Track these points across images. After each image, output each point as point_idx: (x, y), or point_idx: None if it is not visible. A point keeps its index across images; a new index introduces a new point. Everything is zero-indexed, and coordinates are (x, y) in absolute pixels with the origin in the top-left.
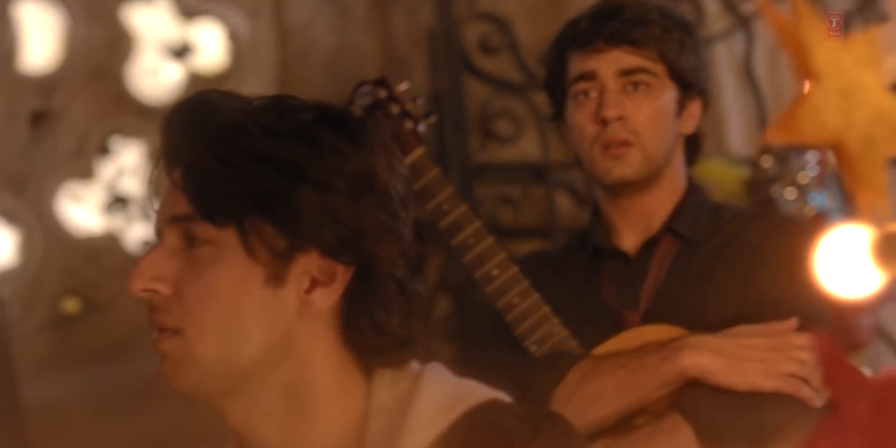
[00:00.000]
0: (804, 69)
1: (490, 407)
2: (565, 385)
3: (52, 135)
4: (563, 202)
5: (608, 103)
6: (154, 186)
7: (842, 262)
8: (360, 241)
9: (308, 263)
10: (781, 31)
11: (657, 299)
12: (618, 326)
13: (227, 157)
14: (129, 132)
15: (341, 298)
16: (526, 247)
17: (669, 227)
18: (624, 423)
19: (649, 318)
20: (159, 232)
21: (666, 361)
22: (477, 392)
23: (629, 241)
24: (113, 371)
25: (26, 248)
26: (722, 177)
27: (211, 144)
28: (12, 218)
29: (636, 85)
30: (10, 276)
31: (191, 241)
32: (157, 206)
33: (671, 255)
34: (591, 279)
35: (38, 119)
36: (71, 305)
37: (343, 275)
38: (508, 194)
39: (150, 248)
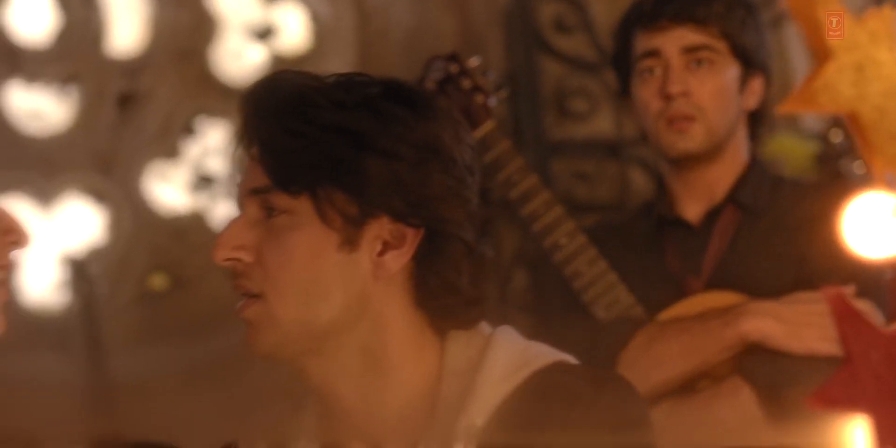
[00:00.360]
0: (819, 45)
1: (556, 368)
2: (631, 349)
3: (138, 116)
4: (637, 177)
5: (672, 80)
6: (238, 164)
7: (868, 226)
8: (427, 205)
9: (379, 228)
10: (797, 9)
11: (719, 267)
12: (681, 293)
13: (299, 129)
14: (213, 112)
15: (412, 260)
16: None
17: (732, 198)
18: (687, 386)
19: (712, 285)
20: (241, 205)
21: (727, 327)
22: (545, 354)
23: (693, 211)
24: (198, 346)
25: (114, 226)
26: (792, 151)
27: (283, 119)
28: (101, 197)
29: (699, 62)
30: (98, 254)
31: (269, 212)
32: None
33: (733, 224)
34: (656, 248)
35: (126, 101)
36: (158, 282)
37: (412, 237)
38: (583, 170)
39: (232, 219)
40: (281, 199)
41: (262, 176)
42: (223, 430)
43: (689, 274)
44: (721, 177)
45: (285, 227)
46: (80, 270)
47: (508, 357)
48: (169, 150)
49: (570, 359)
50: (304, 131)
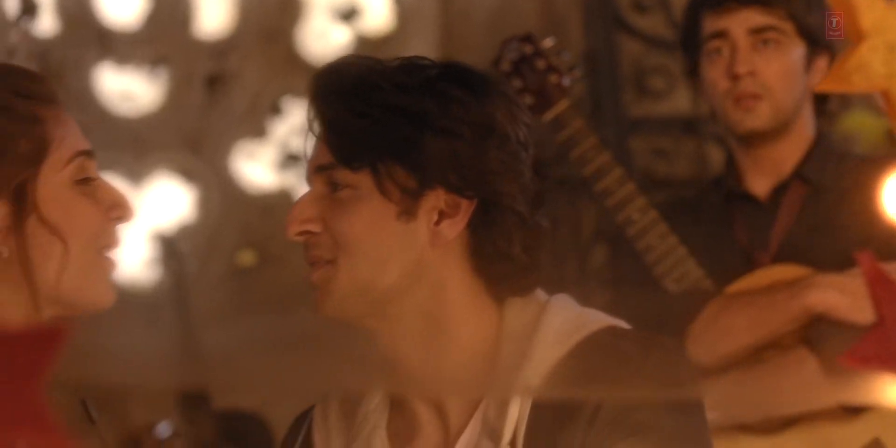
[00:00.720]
0: (852, 27)
1: (608, 332)
2: (700, 321)
3: (226, 96)
4: (714, 153)
5: (740, 60)
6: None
7: None
8: (482, 178)
9: (435, 199)
10: None
11: (786, 241)
12: (749, 267)
13: (362, 110)
14: (299, 92)
15: (467, 230)
16: None
17: (799, 174)
18: (754, 357)
19: (779, 259)
20: (308, 181)
21: (793, 299)
22: (597, 319)
23: (761, 186)
24: (285, 319)
25: (204, 204)
26: (866, 127)
27: (348, 100)
28: (190, 176)
29: (766, 42)
30: (189, 231)
31: (334, 187)
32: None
33: (800, 199)
34: (725, 222)
35: (214, 81)
36: (246, 258)
37: (467, 208)
38: (661, 147)
39: (301, 196)
40: (344, 175)
41: (327, 154)
42: (308, 399)
43: (757, 248)
44: (788, 153)
45: (348, 200)
46: (171, 247)
47: (563, 322)
48: (256, 129)
49: (623, 324)
50: (367, 112)
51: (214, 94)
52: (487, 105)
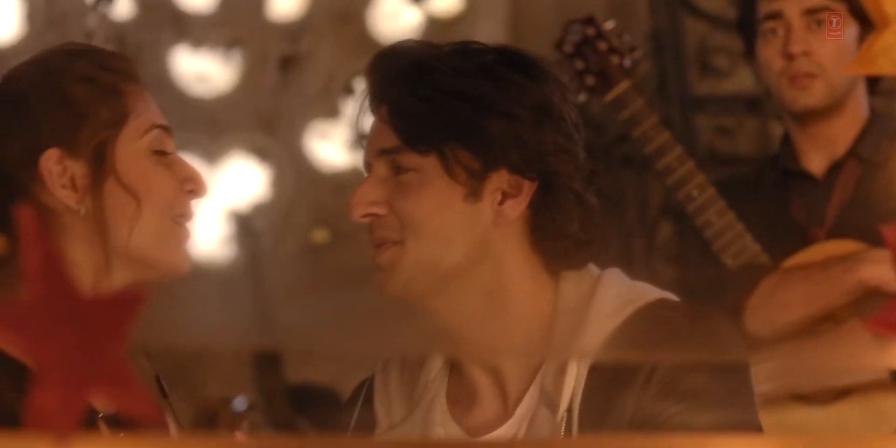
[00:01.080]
0: (879, 12)
1: (658, 304)
2: (757, 295)
3: (300, 77)
4: (777, 131)
5: (794, 40)
6: (359, 125)
7: None
8: (541, 159)
9: (499, 180)
10: None
11: (841, 217)
12: (805, 242)
13: (424, 94)
14: None
15: (528, 209)
16: None
17: (853, 151)
18: (809, 329)
19: (834, 235)
20: (368, 164)
21: (847, 273)
22: (648, 292)
23: (816, 163)
24: (358, 295)
25: (278, 183)
26: None
27: (409, 84)
28: (264, 155)
29: (819, 22)
30: (263, 209)
31: (397, 170)
32: (364, 143)
33: (855, 176)
34: (782, 199)
35: (287, 63)
36: (319, 236)
37: (528, 188)
38: (725, 124)
39: (363, 179)
40: (410, 158)
41: (392, 137)
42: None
43: (813, 224)
44: (842, 131)
45: (414, 183)
46: (246, 225)
47: (616, 295)
48: (329, 109)
49: (672, 297)
50: (429, 96)
51: (288, 75)
52: (543, 88)
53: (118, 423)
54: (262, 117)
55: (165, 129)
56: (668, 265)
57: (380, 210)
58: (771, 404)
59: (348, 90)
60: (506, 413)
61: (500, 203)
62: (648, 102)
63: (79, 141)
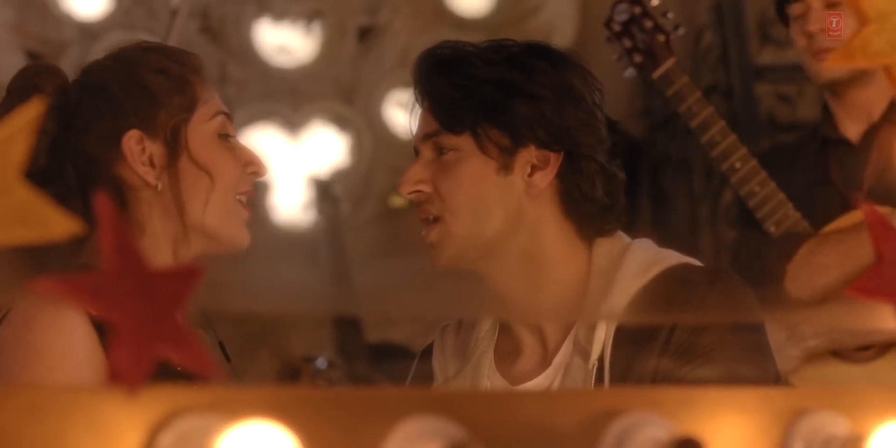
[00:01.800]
0: (859, 12)
1: (681, 268)
2: (796, 260)
3: (378, 48)
4: None
5: (812, 19)
6: (412, 120)
7: None
8: (564, 133)
9: (528, 154)
10: None
11: (878, 181)
12: (844, 208)
13: (458, 82)
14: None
15: (556, 179)
16: None
17: (887, 117)
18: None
19: (871, 198)
20: (416, 149)
21: None
22: (672, 257)
23: (853, 130)
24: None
25: (357, 150)
26: None
27: (445, 76)
28: (344, 124)
29: (834, 5)
30: (343, 175)
31: (440, 151)
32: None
33: (890, 140)
34: (822, 166)
35: (366, 33)
36: (397, 200)
37: (555, 160)
38: (785, 92)
39: (412, 162)
40: (448, 139)
41: (433, 123)
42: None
43: (851, 189)
44: (876, 98)
45: (454, 161)
46: (326, 191)
47: (643, 259)
48: (406, 79)
49: (695, 262)
50: (462, 84)
51: (366, 46)
52: (564, 73)
53: (188, 377)
54: (342, 87)
55: (228, 116)
56: (730, 229)
57: (424, 187)
58: (812, 362)
59: None
60: (544, 363)
61: (530, 175)
62: (711, 72)
63: (156, 124)
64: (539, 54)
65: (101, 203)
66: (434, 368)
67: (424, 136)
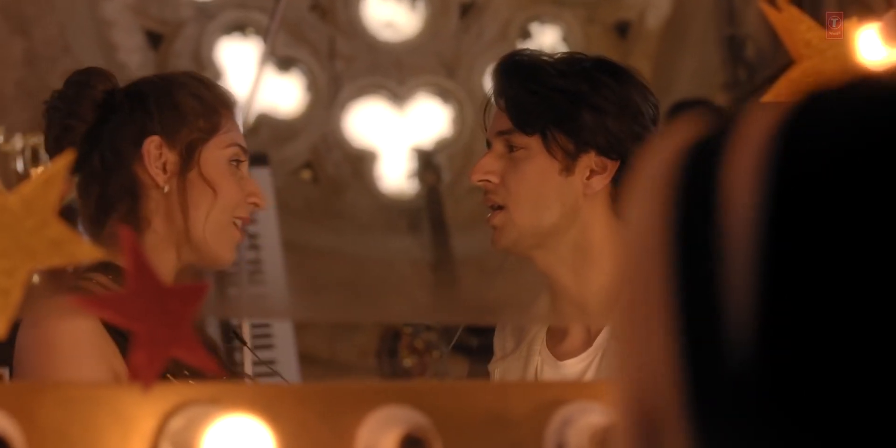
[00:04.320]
0: (793, 49)
1: None
2: None
3: (478, 23)
4: None
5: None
6: (487, 116)
7: None
8: (622, 143)
9: (588, 159)
10: (780, 24)
11: None
12: None
13: (533, 89)
14: (546, 19)
15: (611, 183)
16: None
17: None
18: None
19: None
20: (489, 142)
21: None
22: None
23: None
24: None
25: (458, 121)
26: None
27: (523, 81)
28: (446, 96)
29: None
30: (445, 145)
31: (510, 148)
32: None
33: None
34: None
35: (467, 9)
36: None
37: (611, 167)
38: None
39: (484, 154)
40: (519, 138)
41: (506, 122)
42: (533, 297)
43: None
44: None
45: (522, 159)
46: (429, 161)
47: None
48: (506, 52)
49: None
50: (537, 90)
51: (468, 20)
52: (627, 89)
53: (196, 374)
54: (444, 61)
55: (244, 150)
56: None
57: (493, 178)
58: None
59: (525, 34)
60: (587, 343)
61: (588, 178)
62: None
63: (177, 136)
64: (606, 70)
65: (125, 234)
66: (494, 344)
67: (498, 132)
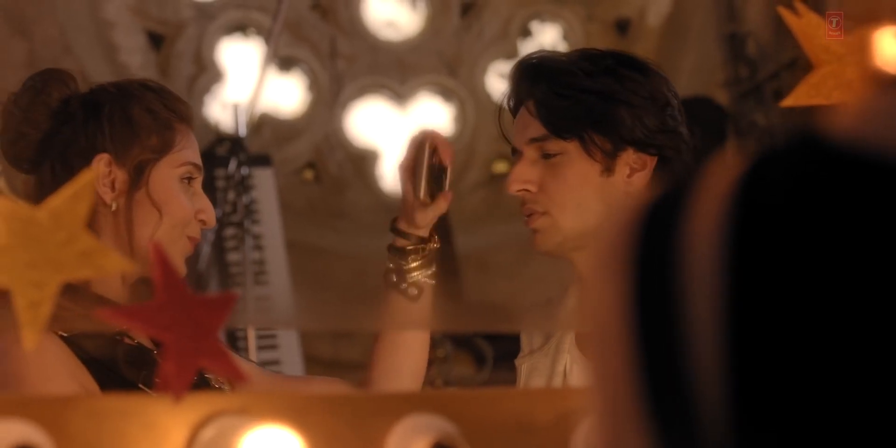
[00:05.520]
0: (812, 54)
1: None
2: None
3: (479, 21)
4: None
5: None
6: (501, 115)
7: None
8: (658, 136)
9: (627, 157)
10: (800, 31)
11: None
12: None
13: (565, 93)
14: (546, 17)
15: (650, 179)
16: None
17: None
18: None
19: None
20: (514, 149)
21: None
22: None
23: None
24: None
25: (460, 119)
26: None
27: (552, 86)
28: (448, 95)
29: None
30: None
31: (545, 154)
32: (507, 130)
33: None
34: None
35: (468, 8)
36: (500, 167)
37: (650, 162)
38: None
39: (516, 162)
40: (556, 144)
41: (540, 128)
42: (546, 293)
43: None
44: None
45: (561, 164)
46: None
47: None
48: (508, 50)
49: None
50: (568, 94)
51: (468, 19)
52: (652, 82)
53: (222, 384)
54: (445, 59)
55: (198, 167)
56: None
57: (532, 187)
58: None
59: (525, 33)
60: None
61: (629, 176)
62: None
63: (127, 155)
64: (629, 65)
65: (154, 250)
66: (521, 339)
67: (531, 139)
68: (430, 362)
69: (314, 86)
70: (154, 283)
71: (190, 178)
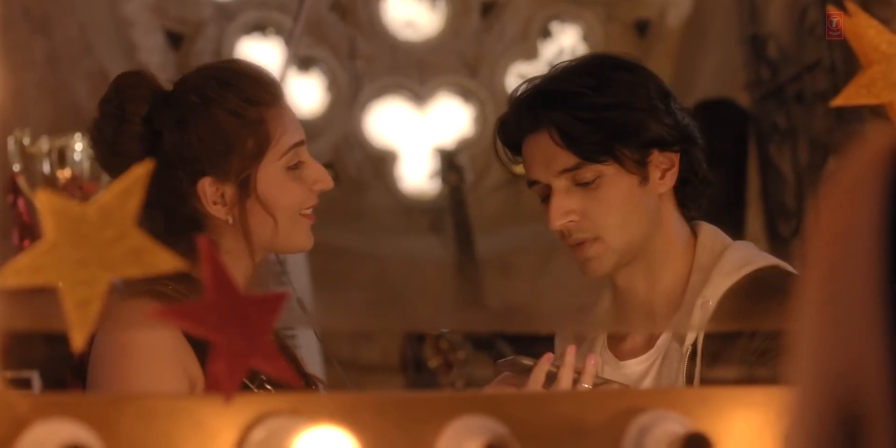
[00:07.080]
0: (864, 56)
1: (770, 270)
2: None
3: (500, 22)
4: None
5: None
6: (497, 144)
7: None
8: (675, 130)
9: (655, 160)
10: (849, 31)
11: None
12: None
13: (584, 116)
14: (566, 18)
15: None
16: None
17: None
18: None
19: None
20: (537, 182)
21: None
22: (765, 259)
23: None
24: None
25: (480, 120)
26: None
27: (569, 112)
28: (468, 95)
29: None
30: (466, 144)
31: (579, 183)
32: (507, 154)
33: None
34: None
35: (488, 9)
36: (519, 169)
37: (675, 158)
38: None
39: (551, 198)
40: (591, 170)
41: (570, 158)
42: (571, 300)
43: None
44: None
45: (601, 187)
46: (451, 160)
47: (738, 259)
48: (528, 51)
49: (787, 266)
50: (587, 117)
51: (489, 20)
52: (653, 80)
53: (275, 385)
54: (465, 60)
55: (301, 143)
56: None
57: (576, 217)
58: None
59: (545, 33)
60: (649, 345)
61: (661, 178)
62: (815, 48)
63: (228, 169)
64: (622, 67)
65: (203, 245)
66: (555, 343)
67: (562, 171)
68: (451, 365)
69: (333, 86)
70: (203, 282)
71: (298, 163)
